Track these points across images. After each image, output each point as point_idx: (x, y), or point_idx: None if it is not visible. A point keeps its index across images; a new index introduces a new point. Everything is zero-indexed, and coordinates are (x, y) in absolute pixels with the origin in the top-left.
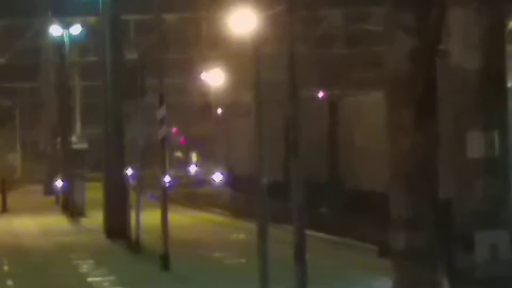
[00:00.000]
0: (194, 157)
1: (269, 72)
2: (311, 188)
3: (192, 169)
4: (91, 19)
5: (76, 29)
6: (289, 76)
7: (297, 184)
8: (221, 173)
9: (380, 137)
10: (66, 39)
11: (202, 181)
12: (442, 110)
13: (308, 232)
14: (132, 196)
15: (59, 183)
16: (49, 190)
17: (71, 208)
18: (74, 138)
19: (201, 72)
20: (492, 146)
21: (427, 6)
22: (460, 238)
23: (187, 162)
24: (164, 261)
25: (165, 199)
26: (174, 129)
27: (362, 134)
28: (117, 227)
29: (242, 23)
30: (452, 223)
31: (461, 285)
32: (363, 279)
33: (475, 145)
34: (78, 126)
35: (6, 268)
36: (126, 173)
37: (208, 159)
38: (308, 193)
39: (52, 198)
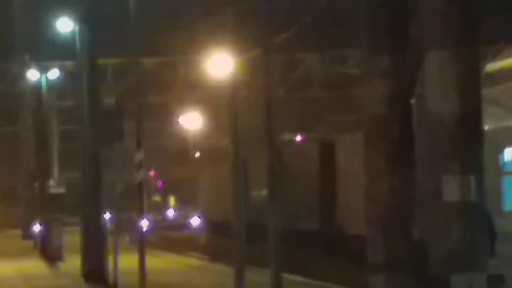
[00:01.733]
0: (172, 201)
1: (246, 115)
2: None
3: (170, 213)
4: (69, 63)
5: (53, 73)
6: (266, 119)
7: (274, 228)
8: (199, 216)
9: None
10: (43, 83)
11: (180, 225)
12: (418, 153)
13: (286, 275)
14: (110, 240)
15: (37, 227)
16: (27, 234)
17: (49, 252)
18: (52, 182)
19: (179, 115)
20: (468, 190)
21: (403, 50)
22: (436, 281)
23: (165, 205)
24: None
25: (143, 243)
26: (152, 173)
27: (350, 178)
28: (95, 271)
29: (219, 66)
30: (428, 265)
31: None
32: None
33: (451, 189)
34: (56, 170)
35: None
36: (104, 217)
37: (186, 203)
38: (290, 236)
39: (30, 242)
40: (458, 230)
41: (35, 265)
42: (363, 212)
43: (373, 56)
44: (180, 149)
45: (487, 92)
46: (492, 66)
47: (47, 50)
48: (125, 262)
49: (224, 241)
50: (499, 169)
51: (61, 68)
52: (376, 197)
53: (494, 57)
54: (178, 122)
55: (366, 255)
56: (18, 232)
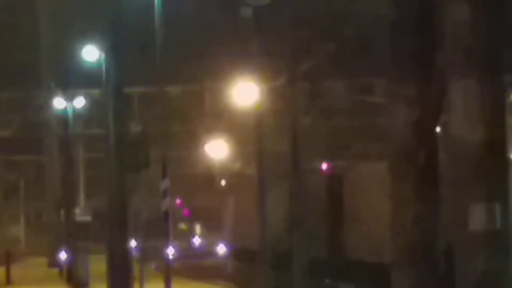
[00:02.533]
0: (197, 228)
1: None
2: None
3: (196, 240)
4: (95, 91)
5: (79, 102)
6: (291, 148)
7: (300, 257)
8: (225, 244)
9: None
10: (69, 112)
11: (206, 253)
12: (443, 182)
13: None
14: (136, 268)
15: (63, 255)
16: (53, 262)
17: (75, 280)
18: (77, 210)
19: (205, 143)
20: (494, 219)
21: (428, 78)
22: None
23: (191, 233)
24: None
25: (169, 271)
26: (178, 201)
27: (364, 206)
28: None
29: (245, 94)
30: None
31: None
32: None
33: (476, 217)
34: (81, 198)
35: None
36: (130, 245)
37: (212, 231)
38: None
39: (56, 270)
40: (484, 259)
41: None
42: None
43: (398, 85)
44: (206, 177)
45: None
46: None
47: (73, 78)
48: None
49: (250, 268)
50: None
51: (87, 96)
52: (402, 226)
53: None
54: (204, 150)
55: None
56: (44, 259)
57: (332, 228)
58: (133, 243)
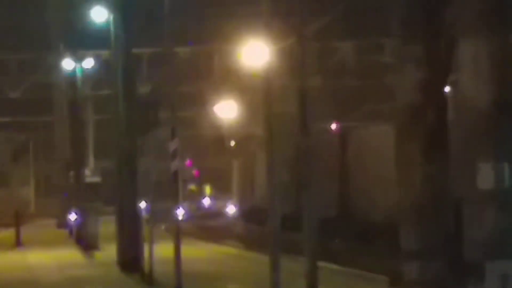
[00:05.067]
0: (207, 189)
1: (281, 104)
2: (324, 220)
3: (206, 201)
4: (104, 52)
5: (88, 63)
6: (300, 108)
7: (309, 216)
8: (234, 205)
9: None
10: (78, 73)
11: (215, 213)
12: (452, 141)
13: (320, 263)
14: (146, 229)
15: (72, 216)
16: (62, 223)
17: (85, 241)
18: (87, 172)
19: (214, 104)
20: (502, 178)
21: (436, 37)
22: (470, 269)
23: (200, 194)
24: None
25: (178, 232)
26: (188, 162)
27: (372, 166)
28: (131, 260)
29: (254, 55)
30: (463, 254)
31: None
32: None
33: (485, 176)
34: (91, 159)
35: None
36: (139, 206)
37: (221, 192)
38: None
39: (65, 231)
40: (492, 217)
41: (70, 254)
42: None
43: (407, 44)
44: (216, 138)
45: None
46: None
47: (82, 40)
48: (160, 251)
49: (260, 229)
50: None
51: (96, 58)
52: (410, 185)
53: None
54: (213, 111)
55: (400, 243)
56: (53, 221)
57: (340, 188)
58: (142, 205)
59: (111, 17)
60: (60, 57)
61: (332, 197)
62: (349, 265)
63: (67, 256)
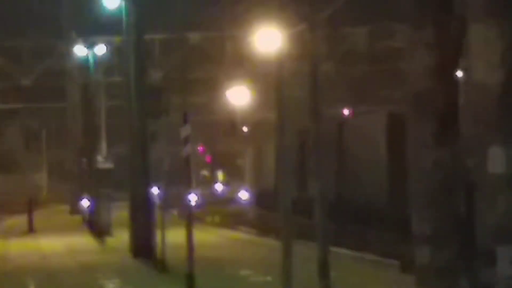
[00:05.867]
0: (220, 175)
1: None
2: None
3: (219, 187)
4: (116, 39)
5: (100, 49)
6: (311, 93)
7: (321, 202)
8: (247, 191)
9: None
10: (90, 59)
11: (228, 199)
12: (463, 126)
13: (334, 248)
14: (158, 215)
15: (85, 202)
16: (75, 209)
17: (97, 227)
18: (99, 158)
19: (226, 90)
20: None
21: (447, 21)
22: (482, 254)
23: (213, 180)
24: (189, 281)
25: (190, 218)
26: (200, 148)
27: (364, 152)
28: (143, 246)
29: (267, 41)
30: (475, 238)
31: None
32: None
33: (496, 161)
34: (103, 145)
35: None
36: (152, 192)
37: (234, 177)
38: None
39: (78, 217)
40: (504, 202)
41: (83, 240)
42: None
43: (418, 29)
44: (228, 124)
45: None
46: None
47: (94, 26)
48: (173, 237)
49: (272, 215)
50: None
51: (108, 44)
52: (422, 170)
53: None
54: (225, 96)
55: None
56: (66, 207)
57: (337, 173)
58: (155, 190)
59: (123, 4)
60: (72, 44)
61: (331, 182)
62: (364, 250)
63: (80, 242)
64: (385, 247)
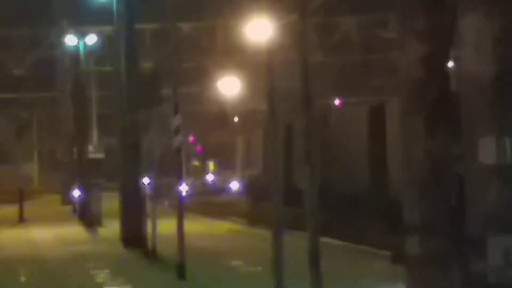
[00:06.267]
0: (211, 165)
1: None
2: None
3: (209, 177)
4: (107, 28)
5: (91, 39)
6: (302, 84)
7: (312, 192)
8: (238, 181)
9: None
10: (81, 49)
11: (219, 189)
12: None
13: (324, 239)
14: (149, 205)
15: (76, 192)
16: (66, 199)
17: (88, 217)
18: (90, 148)
19: (217, 80)
20: (504, 152)
21: (438, 11)
22: (473, 244)
23: (204, 170)
24: (180, 270)
25: (181, 208)
26: (191, 138)
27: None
28: (134, 236)
29: (258, 31)
30: (466, 228)
31: None
32: (377, 285)
33: (487, 151)
34: (94, 135)
35: (23, 278)
36: (143, 182)
37: (225, 168)
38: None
39: (69, 207)
40: (495, 192)
41: (74, 231)
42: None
43: (409, 19)
44: (219, 114)
45: None
46: None
47: (85, 16)
48: (164, 227)
49: (263, 205)
50: None
51: (99, 33)
52: (413, 159)
53: None
54: (216, 87)
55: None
56: (57, 197)
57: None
58: (146, 181)
59: None
60: (63, 33)
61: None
62: (353, 240)
63: (71, 232)
64: (373, 236)
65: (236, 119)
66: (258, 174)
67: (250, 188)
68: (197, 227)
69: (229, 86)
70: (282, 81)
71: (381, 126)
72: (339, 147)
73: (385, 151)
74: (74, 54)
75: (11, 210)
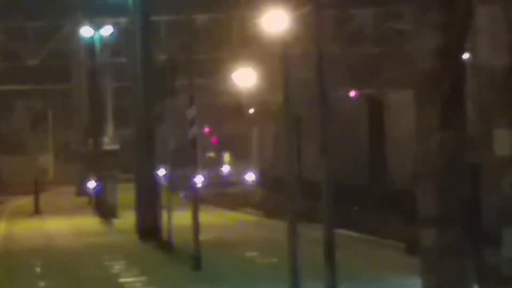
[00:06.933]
0: (226, 157)
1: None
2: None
3: (225, 169)
4: (122, 20)
5: (106, 31)
6: (317, 75)
7: (327, 184)
8: (253, 173)
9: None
10: (96, 41)
11: (234, 181)
12: (469, 107)
13: (338, 230)
14: (164, 197)
15: (91, 184)
16: (81, 191)
17: (103, 209)
18: (106, 139)
19: (233, 72)
20: None
21: (453, 2)
22: (487, 235)
23: (219, 162)
24: (196, 261)
25: (196, 199)
26: (206, 129)
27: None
28: (149, 227)
29: (273, 22)
30: (480, 220)
31: (488, 282)
32: (393, 277)
33: (502, 143)
34: (110, 127)
35: (38, 269)
36: (158, 174)
37: (240, 159)
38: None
39: (84, 199)
40: (510, 183)
41: (89, 222)
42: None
43: (424, 10)
44: (234, 105)
45: None
46: None
47: (100, 7)
48: (179, 218)
49: (279, 196)
50: None
51: (114, 25)
52: (428, 152)
53: None
54: (231, 78)
55: (417, 210)
56: (72, 189)
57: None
58: (161, 172)
59: None
60: (78, 24)
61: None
62: (367, 232)
63: (86, 223)
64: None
65: (251, 110)
66: (271, 165)
67: (264, 179)
68: (212, 218)
69: (245, 78)
70: (297, 73)
71: (380, 119)
72: (342, 138)
73: (384, 142)
74: (89, 46)
75: (26, 201)
